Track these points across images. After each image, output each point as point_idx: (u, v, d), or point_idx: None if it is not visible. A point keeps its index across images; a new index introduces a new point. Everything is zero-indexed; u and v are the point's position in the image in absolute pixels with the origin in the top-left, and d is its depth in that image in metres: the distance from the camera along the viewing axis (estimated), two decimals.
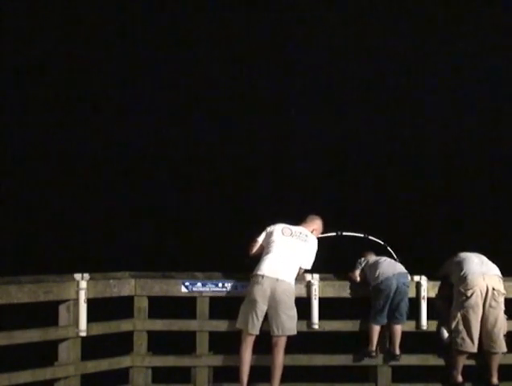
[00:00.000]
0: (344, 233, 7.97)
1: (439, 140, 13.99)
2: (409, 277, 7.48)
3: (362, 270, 7.58)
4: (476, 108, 13.96)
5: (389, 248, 7.88)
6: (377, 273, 7.38)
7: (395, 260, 7.71)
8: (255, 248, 7.40)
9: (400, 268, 7.48)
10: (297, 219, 7.63)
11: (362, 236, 7.97)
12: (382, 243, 7.92)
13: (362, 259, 7.70)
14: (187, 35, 14.04)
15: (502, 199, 13.20)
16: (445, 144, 13.94)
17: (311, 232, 7.51)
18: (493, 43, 13.91)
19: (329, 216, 7.81)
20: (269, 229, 7.43)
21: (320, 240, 7.55)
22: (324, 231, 7.72)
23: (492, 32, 13.91)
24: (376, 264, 7.49)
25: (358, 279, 7.58)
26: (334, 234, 7.90)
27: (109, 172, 13.49)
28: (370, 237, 7.96)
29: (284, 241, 7.29)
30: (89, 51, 13.90)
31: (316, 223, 7.62)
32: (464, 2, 13.78)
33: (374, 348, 7.42)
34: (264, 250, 7.32)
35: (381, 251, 7.84)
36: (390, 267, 7.45)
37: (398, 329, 7.43)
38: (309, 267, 7.35)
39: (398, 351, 7.44)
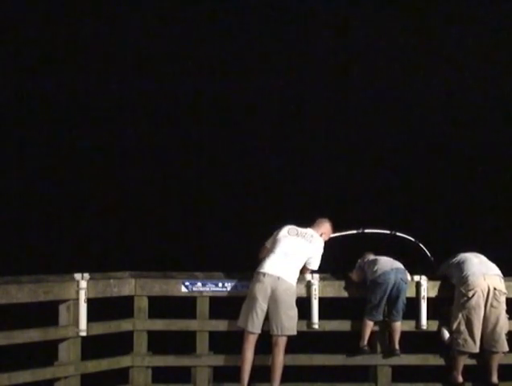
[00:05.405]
0: (367, 230, 7.86)
1: (441, 140, 13.97)
2: (408, 274, 7.49)
3: (362, 269, 7.59)
4: (477, 108, 13.93)
5: (421, 245, 7.77)
6: (376, 268, 7.39)
7: (428, 257, 7.68)
8: (264, 253, 7.37)
9: (398, 264, 7.49)
10: (303, 221, 7.60)
11: (389, 232, 7.84)
12: (413, 239, 7.81)
13: (362, 259, 7.71)
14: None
15: (502, 198, 13.18)
16: (445, 144, 13.92)
17: (320, 235, 7.52)
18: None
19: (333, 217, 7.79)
20: (276, 231, 7.44)
21: (335, 239, 7.54)
22: (334, 233, 7.69)
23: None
24: (375, 261, 7.52)
25: (358, 279, 7.59)
26: (355, 231, 7.84)
27: (110, 172, 13.47)
28: (398, 234, 7.82)
29: (289, 241, 7.29)
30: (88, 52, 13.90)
31: (325, 227, 7.61)
32: None
33: (366, 343, 7.41)
34: (269, 249, 7.33)
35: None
36: (389, 262, 7.47)
37: (397, 326, 7.42)
38: (315, 268, 7.36)
39: (397, 347, 7.43)
